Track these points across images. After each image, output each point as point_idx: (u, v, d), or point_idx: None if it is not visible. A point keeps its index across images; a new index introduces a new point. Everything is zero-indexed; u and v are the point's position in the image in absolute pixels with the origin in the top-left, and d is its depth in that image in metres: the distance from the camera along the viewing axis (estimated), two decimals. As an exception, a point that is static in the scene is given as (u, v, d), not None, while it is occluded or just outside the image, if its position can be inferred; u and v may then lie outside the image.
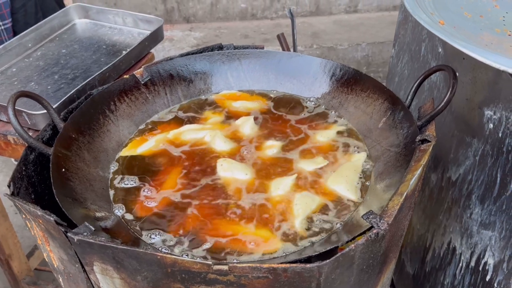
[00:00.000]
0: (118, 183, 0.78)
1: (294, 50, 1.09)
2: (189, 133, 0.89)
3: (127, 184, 0.77)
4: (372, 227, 0.57)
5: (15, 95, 0.71)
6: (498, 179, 0.75)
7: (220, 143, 0.86)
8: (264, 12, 2.16)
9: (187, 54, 1.01)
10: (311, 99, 0.98)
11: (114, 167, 0.82)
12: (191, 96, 0.99)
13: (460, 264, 0.91)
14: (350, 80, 0.94)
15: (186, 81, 0.98)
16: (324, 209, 0.73)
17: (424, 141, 0.73)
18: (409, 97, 0.82)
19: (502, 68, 0.57)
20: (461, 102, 0.87)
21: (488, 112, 0.78)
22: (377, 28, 1.84)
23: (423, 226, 1.07)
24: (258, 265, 0.53)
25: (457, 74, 0.88)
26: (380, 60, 2.01)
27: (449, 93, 0.75)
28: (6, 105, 0.69)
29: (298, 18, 2.18)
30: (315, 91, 0.98)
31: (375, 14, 2.02)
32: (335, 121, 0.92)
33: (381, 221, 0.58)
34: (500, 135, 0.74)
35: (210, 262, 0.54)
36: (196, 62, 0.99)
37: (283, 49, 1.12)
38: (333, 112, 0.94)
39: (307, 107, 0.96)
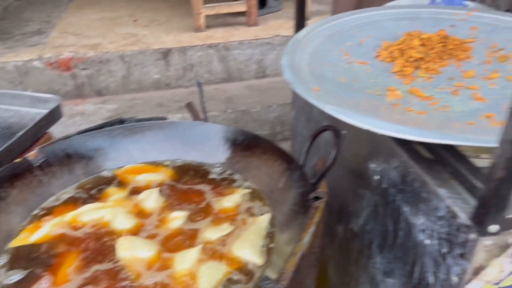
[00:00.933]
0: (4, 279, 0.71)
1: (205, 119, 1.12)
2: (88, 213, 0.85)
3: (13, 279, 0.71)
4: (269, 293, 0.57)
5: None
6: (390, 228, 0.80)
7: (121, 221, 0.82)
8: (178, 81, 2.22)
9: (86, 131, 0.99)
10: (216, 165, 0.99)
11: (3, 260, 0.75)
12: (92, 173, 0.96)
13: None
14: (251, 144, 0.98)
15: (85, 159, 0.96)
16: (230, 278, 0.72)
17: (317, 198, 0.76)
18: (303, 157, 0.87)
19: (364, 126, 0.64)
20: (352, 157, 0.94)
21: (372, 165, 0.84)
22: (285, 90, 1.96)
23: (339, 278, 1.09)
24: None
25: (345, 132, 0.95)
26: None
27: (334, 151, 0.81)
28: None
29: (212, 85, 2.26)
30: (220, 157, 1.00)
31: (282, 78, 2.16)
32: (240, 185, 0.94)
33: (277, 286, 0.59)
34: (384, 186, 0.81)
35: None
36: (95, 139, 0.97)
37: (193, 118, 1.15)
38: (238, 176, 0.96)
39: (212, 174, 0.97)
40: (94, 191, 0.91)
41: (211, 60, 2.23)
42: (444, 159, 0.68)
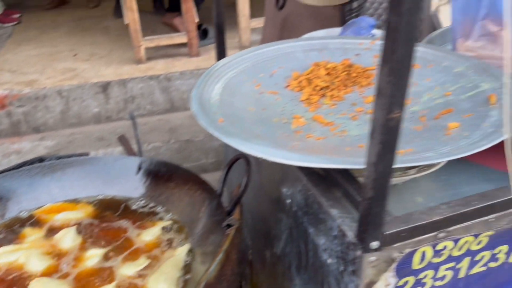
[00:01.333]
0: None
1: (139, 151, 1.13)
2: (2, 256, 0.83)
3: None
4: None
5: None
6: (302, 250, 0.84)
7: (35, 263, 0.81)
8: (119, 113, 2.21)
9: (3, 171, 0.98)
10: (139, 199, 1.00)
11: None
12: (9, 215, 0.94)
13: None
14: (173, 175, 0.99)
15: (2, 200, 0.94)
16: None
17: (228, 225, 0.79)
18: (219, 186, 0.90)
19: (256, 154, 0.68)
20: (269, 182, 0.98)
21: (284, 189, 0.88)
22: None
23: (271, 303, 1.11)
24: None
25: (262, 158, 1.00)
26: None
27: (245, 178, 0.84)
28: None
29: (155, 116, 2.27)
30: (143, 190, 1.01)
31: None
32: (162, 217, 0.95)
33: None
34: (294, 209, 0.84)
35: None
36: (12, 179, 0.96)
37: (126, 151, 1.16)
38: (160, 208, 0.97)
39: (134, 208, 0.98)
40: (10, 234, 0.90)
41: (153, 91, 2.25)
42: (337, 181, 0.73)
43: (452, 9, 1.07)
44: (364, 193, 0.57)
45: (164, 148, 2.09)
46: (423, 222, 0.64)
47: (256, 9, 2.52)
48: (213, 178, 0.99)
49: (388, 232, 0.62)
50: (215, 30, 1.14)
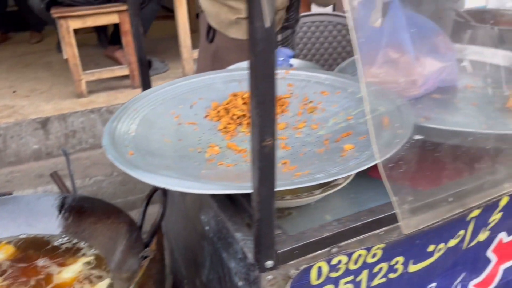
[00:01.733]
0: None
1: (73, 187, 1.13)
2: None
3: None
4: None
5: None
6: (221, 275, 0.86)
7: None
8: (59, 149, 2.19)
9: None
10: (62, 235, 1.00)
11: None
12: None
13: None
14: (96, 210, 1.00)
15: None
16: None
17: (144, 257, 0.81)
18: (140, 218, 0.92)
19: (163, 186, 0.71)
20: (191, 211, 1.01)
21: (202, 217, 0.91)
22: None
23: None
24: None
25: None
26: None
27: (161, 209, 0.87)
28: None
29: (97, 150, 2.25)
30: (65, 226, 1.01)
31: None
32: (84, 253, 0.95)
33: None
34: (211, 235, 0.87)
35: None
36: None
37: (58, 188, 1.15)
38: (83, 244, 0.97)
39: (57, 244, 0.97)
40: None
41: (95, 124, 2.24)
42: (243, 205, 0.77)
43: (357, 40, 1.16)
44: (253, 216, 0.61)
45: (106, 181, 2.08)
46: (315, 239, 0.68)
47: (198, 40, 2.59)
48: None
49: (281, 251, 0.66)
50: (137, 63, 1.18)
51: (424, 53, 1.10)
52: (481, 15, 1.50)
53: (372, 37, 1.14)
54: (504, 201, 0.85)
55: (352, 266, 0.73)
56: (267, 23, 0.45)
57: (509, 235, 0.93)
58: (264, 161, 0.57)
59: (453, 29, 1.44)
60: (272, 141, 0.56)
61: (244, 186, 0.69)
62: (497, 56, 1.18)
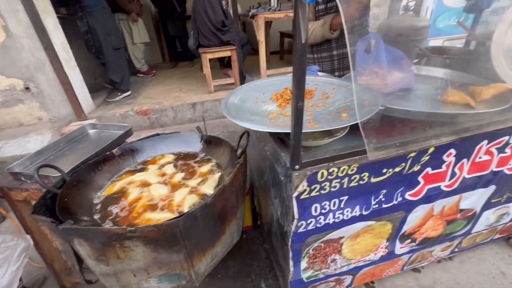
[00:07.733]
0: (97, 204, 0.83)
1: (205, 133, 1.20)
2: (139, 176, 0.95)
3: (99, 204, 0.82)
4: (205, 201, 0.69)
5: (38, 166, 0.77)
6: (274, 176, 0.90)
7: (153, 179, 0.93)
8: (200, 118, 2.35)
9: (142, 139, 1.11)
10: (201, 153, 1.11)
11: (98, 199, 0.86)
12: (141, 159, 1.07)
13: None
14: (217, 142, 1.08)
15: (140, 151, 1.07)
16: (199, 200, 0.82)
17: (238, 163, 0.88)
18: (235, 146, 0.99)
19: (248, 127, 0.76)
20: (262, 145, 1.06)
21: (266, 148, 0.96)
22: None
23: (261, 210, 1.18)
24: (147, 224, 0.61)
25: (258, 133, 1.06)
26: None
27: (245, 141, 0.93)
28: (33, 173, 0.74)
29: (216, 120, 2.38)
30: (202, 149, 1.09)
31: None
32: (211, 161, 1.05)
33: (208, 198, 0.70)
34: (269, 155, 0.92)
35: (125, 227, 0.61)
36: (144, 142, 1.08)
37: (199, 132, 1.22)
38: (210, 157, 1.07)
39: (198, 156, 1.08)
40: (142, 166, 1.03)
41: (217, 107, 2.35)
42: (285, 140, 0.80)
43: (355, 59, 1.10)
44: (290, 143, 0.65)
45: (221, 135, 2.20)
46: (321, 157, 0.70)
47: (270, 64, 2.55)
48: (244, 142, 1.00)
49: (303, 161, 0.69)
50: (239, 77, 1.22)
51: (394, 68, 1.02)
52: (435, 49, 1.32)
53: (364, 60, 1.08)
54: (431, 150, 0.79)
55: (340, 174, 0.74)
56: (303, 40, 0.47)
57: (432, 170, 0.87)
58: (297, 115, 0.59)
59: (416, 57, 1.29)
60: (302, 104, 0.58)
61: (287, 129, 0.72)
62: (438, 72, 1.05)
